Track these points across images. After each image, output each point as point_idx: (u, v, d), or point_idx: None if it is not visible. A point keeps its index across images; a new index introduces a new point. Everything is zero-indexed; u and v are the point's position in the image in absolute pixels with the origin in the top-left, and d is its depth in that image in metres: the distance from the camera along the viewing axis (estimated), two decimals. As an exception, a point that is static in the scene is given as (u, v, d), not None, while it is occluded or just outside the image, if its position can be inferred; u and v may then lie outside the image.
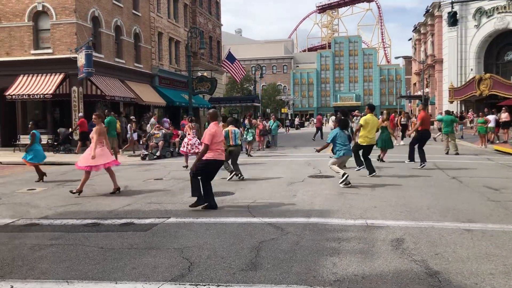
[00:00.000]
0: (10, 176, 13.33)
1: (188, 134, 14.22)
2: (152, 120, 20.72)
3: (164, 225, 6.63)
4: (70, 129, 21.46)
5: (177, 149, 19.08)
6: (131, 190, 10.07)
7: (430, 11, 49.73)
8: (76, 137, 20.72)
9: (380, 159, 14.59)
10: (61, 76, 21.66)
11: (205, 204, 7.72)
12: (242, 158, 13.87)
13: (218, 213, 7.36)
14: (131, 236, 6.08)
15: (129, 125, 20.94)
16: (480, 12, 40.72)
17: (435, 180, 10.63)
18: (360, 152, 11.98)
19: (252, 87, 52.36)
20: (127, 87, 25.47)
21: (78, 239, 6.00)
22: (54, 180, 12.04)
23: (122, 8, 25.84)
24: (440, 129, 21.40)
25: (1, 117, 23.09)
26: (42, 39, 22.34)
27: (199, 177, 7.69)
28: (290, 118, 69.57)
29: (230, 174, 11.36)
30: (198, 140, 13.46)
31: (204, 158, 7.66)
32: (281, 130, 32.61)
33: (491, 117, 22.54)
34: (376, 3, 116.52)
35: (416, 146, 13.54)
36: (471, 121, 28.47)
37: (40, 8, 21.80)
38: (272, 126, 23.14)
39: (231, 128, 11.34)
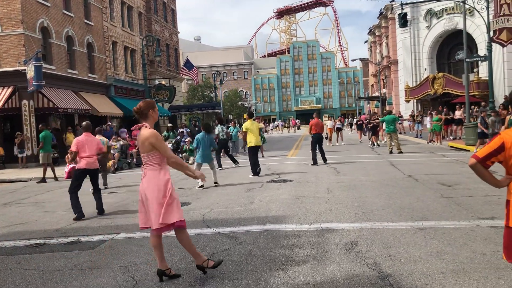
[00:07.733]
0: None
1: None
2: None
3: (112, 242, 6.32)
4: None
5: (134, 160, 18.62)
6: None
7: (384, 13, 50.88)
8: None
9: None
10: (10, 89, 20.75)
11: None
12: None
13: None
14: (76, 255, 5.75)
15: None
16: (430, 13, 41.93)
17: (391, 180, 10.72)
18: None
19: (213, 94, 52.05)
20: (82, 98, 24.70)
21: (18, 262, 5.62)
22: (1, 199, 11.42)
23: (73, 18, 25.08)
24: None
25: None
26: (-12, 51, 21.36)
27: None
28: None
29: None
30: None
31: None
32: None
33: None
34: (332, 7, 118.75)
35: (316, 149, 15.17)
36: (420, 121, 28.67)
37: (-16, 20, 20.87)
38: (232, 132, 22.89)
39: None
